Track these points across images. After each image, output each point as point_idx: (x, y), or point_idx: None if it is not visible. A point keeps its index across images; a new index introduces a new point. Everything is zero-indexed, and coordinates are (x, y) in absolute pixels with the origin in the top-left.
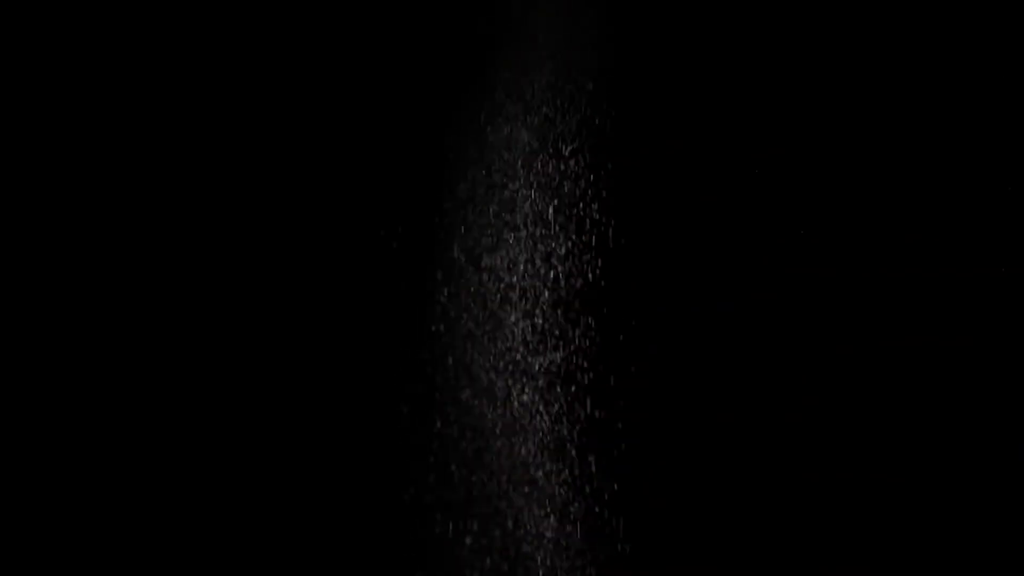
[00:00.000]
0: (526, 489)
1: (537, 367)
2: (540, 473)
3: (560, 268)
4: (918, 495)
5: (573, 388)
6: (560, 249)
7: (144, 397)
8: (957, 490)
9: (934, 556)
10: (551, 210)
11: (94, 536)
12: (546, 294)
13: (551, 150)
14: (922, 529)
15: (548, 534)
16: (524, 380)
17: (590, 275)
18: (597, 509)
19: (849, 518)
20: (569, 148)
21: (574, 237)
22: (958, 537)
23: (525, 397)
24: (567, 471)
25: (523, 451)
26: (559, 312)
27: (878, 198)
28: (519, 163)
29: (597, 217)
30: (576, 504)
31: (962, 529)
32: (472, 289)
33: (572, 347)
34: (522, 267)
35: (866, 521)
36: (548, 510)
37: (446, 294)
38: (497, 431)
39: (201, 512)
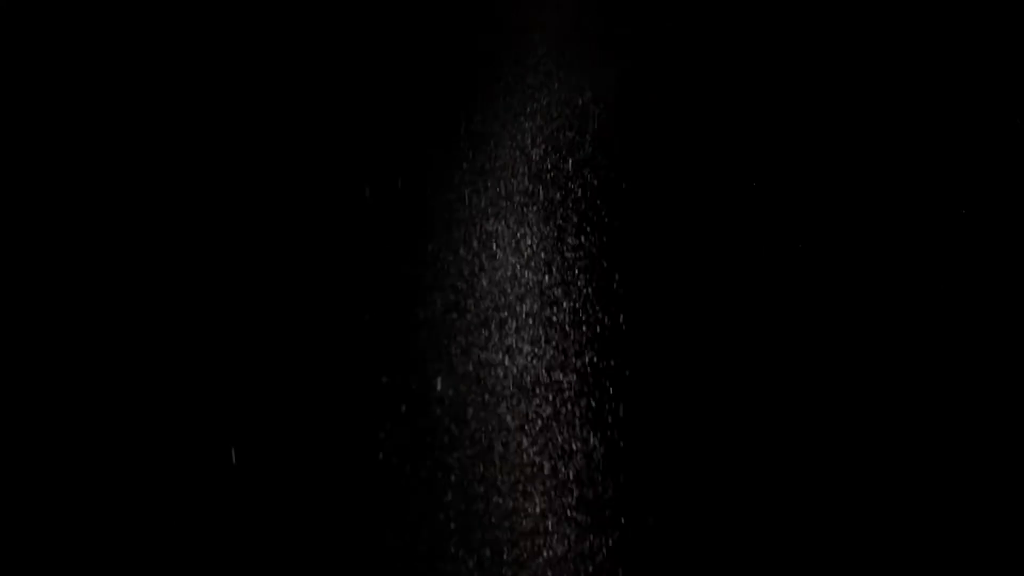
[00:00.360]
0: (525, 489)
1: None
2: (539, 475)
3: (564, 276)
4: (918, 496)
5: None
6: (564, 262)
7: (120, 401)
8: (957, 492)
9: (934, 557)
10: (554, 225)
11: (89, 536)
12: (548, 310)
13: (552, 168)
14: (922, 531)
15: (547, 539)
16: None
17: (593, 285)
18: (598, 512)
19: (852, 520)
20: (570, 166)
21: (577, 252)
22: (958, 539)
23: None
24: (568, 477)
25: (526, 455)
26: (564, 322)
27: (878, 206)
28: (520, 183)
29: (599, 231)
30: (576, 504)
31: (963, 531)
32: (473, 298)
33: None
34: (526, 276)
35: (869, 523)
36: (544, 509)
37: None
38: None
39: (197, 512)
